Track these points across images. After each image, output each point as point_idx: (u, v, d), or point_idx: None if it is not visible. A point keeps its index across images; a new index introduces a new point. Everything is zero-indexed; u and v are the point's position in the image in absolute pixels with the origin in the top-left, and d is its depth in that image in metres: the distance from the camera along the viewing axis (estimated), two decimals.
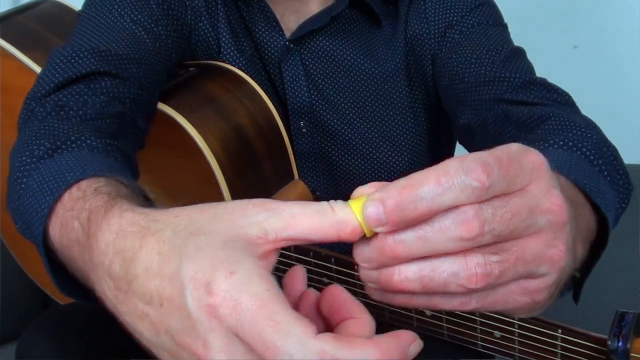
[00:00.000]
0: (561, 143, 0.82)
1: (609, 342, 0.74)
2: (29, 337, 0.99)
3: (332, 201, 0.47)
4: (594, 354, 0.77)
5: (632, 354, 0.74)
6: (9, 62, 1.19)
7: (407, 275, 0.47)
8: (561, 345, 0.79)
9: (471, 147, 1.07)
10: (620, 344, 0.74)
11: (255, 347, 0.44)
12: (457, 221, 0.45)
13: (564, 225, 0.50)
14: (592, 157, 0.81)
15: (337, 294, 0.49)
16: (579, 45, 1.79)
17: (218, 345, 0.45)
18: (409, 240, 0.46)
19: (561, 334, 0.78)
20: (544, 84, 1.02)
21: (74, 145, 0.81)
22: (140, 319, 0.50)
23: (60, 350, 0.96)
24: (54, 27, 1.23)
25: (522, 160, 0.48)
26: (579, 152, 0.81)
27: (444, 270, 0.47)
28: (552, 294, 0.53)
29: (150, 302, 0.48)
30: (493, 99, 1.01)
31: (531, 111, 0.96)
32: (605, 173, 0.81)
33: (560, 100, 0.99)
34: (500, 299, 0.50)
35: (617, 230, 1.42)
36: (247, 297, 0.43)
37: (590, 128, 0.88)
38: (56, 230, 0.68)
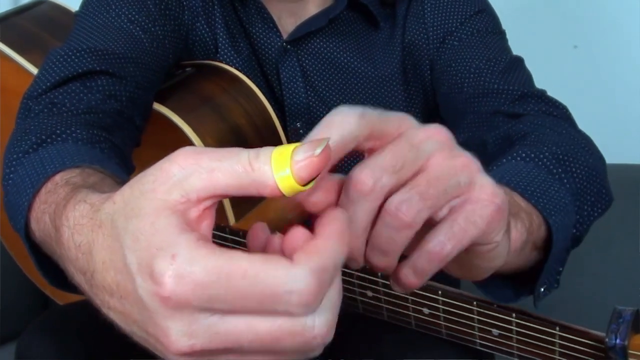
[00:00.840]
0: (523, 155, 0.83)
1: (607, 339, 0.74)
2: (29, 337, 0.99)
3: (254, 152, 0.45)
4: (592, 351, 0.76)
5: (630, 351, 0.73)
6: (7, 64, 1.19)
7: (370, 258, 0.52)
8: (559, 343, 0.79)
9: None
10: (618, 340, 0.73)
11: (244, 308, 0.43)
12: (352, 184, 0.48)
13: (451, 138, 0.53)
14: (551, 167, 0.82)
15: (297, 233, 0.47)
16: (579, 45, 1.79)
17: (179, 330, 0.44)
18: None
19: (559, 331, 0.78)
20: (541, 97, 1.02)
21: (58, 138, 0.81)
22: (110, 310, 0.50)
23: (60, 350, 0.96)
24: (51, 29, 1.24)
25: (385, 112, 0.51)
26: (538, 161, 0.82)
27: (382, 233, 0.50)
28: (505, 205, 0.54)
29: (112, 294, 0.48)
30: (491, 111, 1.02)
31: (521, 124, 0.97)
32: (565, 181, 0.81)
33: (557, 113, 0.99)
34: (464, 226, 0.51)
35: (617, 230, 1.43)
36: (202, 272, 0.42)
37: (564, 143, 0.88)
38: (34, 225, 0.69)
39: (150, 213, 0.45)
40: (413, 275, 0.53)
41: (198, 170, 0.44)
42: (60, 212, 0.57)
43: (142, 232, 0.44)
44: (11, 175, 0.79)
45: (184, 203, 0.45)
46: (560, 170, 0.82)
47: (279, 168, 0.44)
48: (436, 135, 0.52)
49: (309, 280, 0.43)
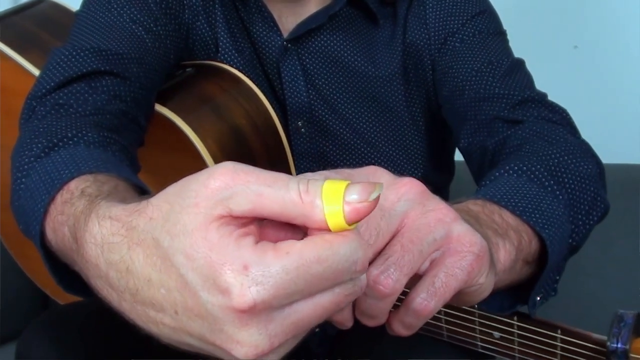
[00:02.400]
0: (516, 168, 0.84)
1: (608, 343, 0.74)
2: (29, 337, 0.99)
3: (303, 183, 0.45)
4: (593, 354, 0.76)
5: (632, 355, 0.74)
6: (6, 64, 1.19)
7: (360, 320, 0.55)
8: (561, 346, 0.79)
9: (470, 166, 1.08)
10: (619, 344, 0.74)
11: (318, 290, 0.45)
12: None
13: (423, 192, 0.55)
14: (543, 179, 0.83)
15: None
16: (579, 45, 1.79)
17: (256, 335, 0.45)
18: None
19: (560, 334, 0.78)
20: (541, 102, 1.02)
21: (70, 142, 0.81)
22: (154, 324, 0.49)
23: (60, 350, 0.96)
24: (51, 28, 1.23)
25: (355, 170, 0.54)
26: (530, 174, 0.83)
27: (366, 302, 0.53)
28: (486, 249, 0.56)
29: (163, 310, 0.48)
30: (491, 117, 1.02)
31: (519, 131, 0.97)
32: (558, 192, 0.82)
33: (556, 119, 0.99)
34: (445, 280, 0.53)
35: (617, 230, 1.43)
36: (281, 272, 0.43)
37: (558, 153, 0.89)
38: (51, 235, 0.68)
39: (197, 228, 0.45)
40: (403, 328, 0.56)
41: (245, 192, 0.45)
42: (82, 227, 0.56)
43: (197, 249, 0.44)
44: (23, 180, 0.78)
45: (227, 217, 0.45)
46: (552, 182, 0.83)
47: (330, 204, 0.44)
48: (407, 193, 0.54)
49: (362, 246, 0.45)
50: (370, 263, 0.52)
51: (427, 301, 0.53)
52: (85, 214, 0.57)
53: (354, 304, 0.54)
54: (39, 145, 0.80)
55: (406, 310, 0.54)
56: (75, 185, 0.67)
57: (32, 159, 0.79)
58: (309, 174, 0.49)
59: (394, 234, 0.53)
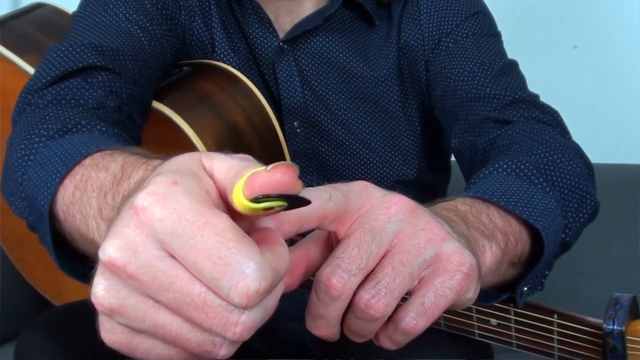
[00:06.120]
0: (505, 166, 0.84)
1: (605, 325, 0.74)
2: (29, 337, 0.99)
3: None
4: (590, 337, 0.76)
5: (628, 337, 0.74)
6: (6, 66, 1.20)
7: (348, 336, 0.56)
8: (557, 331, 0.79)
9: (460, 165, 1.08)
10: (616, 326, 0.74)
11: (195, 262, 0.42)
12: (324, 289, 0.52)
13: (414, 210, 0.55)
14: (532, 177, 0.83)
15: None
16: (579, 45, 1.79)
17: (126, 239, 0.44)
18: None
19: (557, 319, 0.78)
20: (532, 102, 1.02)
21: (84, 129, 0.81)
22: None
23: (59, 350, 0.96)
24: (50, 32, 1.24)
25: (350, 186, 0.55)
26: (519, 172, 0.83)
27: (356, 323, 0.54)
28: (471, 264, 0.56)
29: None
30: (482, 117, 1.02)
31: (509, 132, 0.97)
32: (548, 189, 0.82)
33: (546, 120, 1.00)
34: (434, 300, 0.54)
35: (617, 230, 1.43)
36: (185, 207, 0.43)
37: (547, 152, 0.89)
38: (69, 191, 0.68)
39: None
40: (391, 344, 0.56)
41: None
42: (139, 165, 0.60)
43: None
44: (32, 157, 0.78)
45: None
46: (542, 179, 0.83)
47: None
48: (397, 212, 0.54)
49: (266, 274, 0.43)
50: (360, 285, 0.52)
51: (417, 320, 0.54)
52: (147, 158, 0.62)
53: (342, 322, 0.54)
54: (50, 130, 0.80)
55: (395, 328, 0.55)
56: (112, 150, 0.69)
57: (42, 139, 0.79)
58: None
59: (384, 254, 0.53)
